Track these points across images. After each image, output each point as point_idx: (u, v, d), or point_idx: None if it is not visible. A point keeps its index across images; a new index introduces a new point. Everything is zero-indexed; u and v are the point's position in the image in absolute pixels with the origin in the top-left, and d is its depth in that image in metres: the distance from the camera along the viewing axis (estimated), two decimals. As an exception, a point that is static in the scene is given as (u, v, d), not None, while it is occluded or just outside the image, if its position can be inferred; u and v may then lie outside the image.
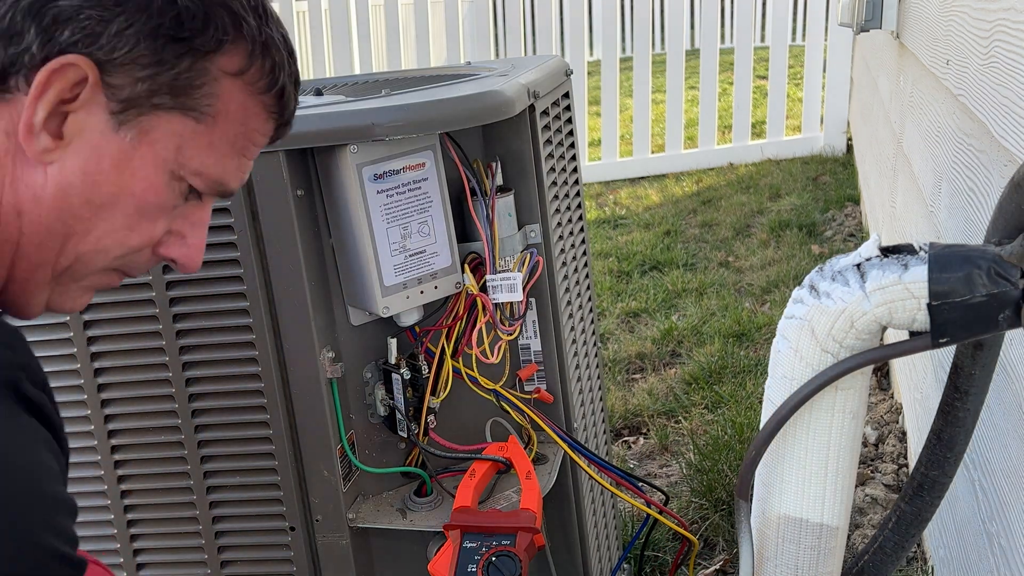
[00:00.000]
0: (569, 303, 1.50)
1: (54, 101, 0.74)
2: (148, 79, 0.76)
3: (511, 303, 1.32)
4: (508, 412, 1.36)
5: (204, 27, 0.77)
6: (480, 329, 1.29)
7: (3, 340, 0.69)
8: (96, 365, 1.29)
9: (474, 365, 1.32)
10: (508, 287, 1.29)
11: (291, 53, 0.85)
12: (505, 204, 1.33)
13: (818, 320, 0.88)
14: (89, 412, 1.31)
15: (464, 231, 1.33)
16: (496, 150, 1.34)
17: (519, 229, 1.35)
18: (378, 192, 1.20)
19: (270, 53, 0.83)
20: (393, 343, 1.30)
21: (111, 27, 0.73)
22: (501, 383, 1.35)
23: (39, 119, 0.74)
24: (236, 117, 0.82)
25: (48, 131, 0.74)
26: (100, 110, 0.75)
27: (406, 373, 1.29)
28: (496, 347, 1.32)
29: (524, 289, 1.31)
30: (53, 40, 0.72)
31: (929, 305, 0.82)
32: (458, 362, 1.31)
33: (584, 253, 1.67)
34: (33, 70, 0.73)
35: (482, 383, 1.33)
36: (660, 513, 1.45)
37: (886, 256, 0.87)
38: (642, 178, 5.91)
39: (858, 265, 0.87)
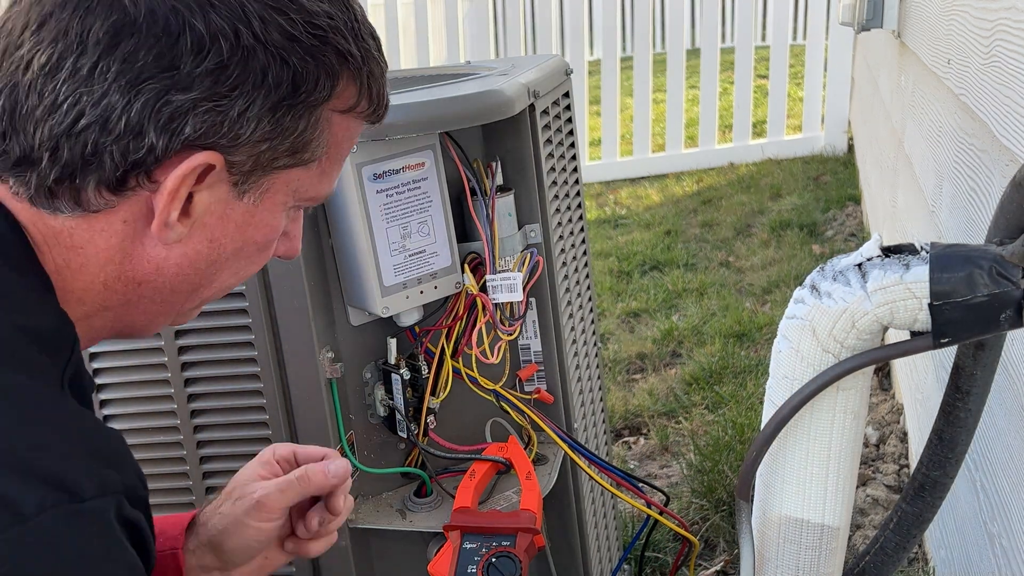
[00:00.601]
0: (569, 303, 1.50)
1: (184, 197, 0.73)
2: (269, 149, 0.75)
3: (511, 303, 1.32)
4: (508, 412, 1.36)
5: (316, 81, 0.75)
6: (480, 329, 1.29)
7: (109, 457, 0.69)
8: (95, 365, 1.29)
9: (474, 365, 1.32)
10: (508, 287, 1.29)
11: (379, 48, 0.82)
12: (505, 204, 1.33)
13: (819, 320, 0.88)
14: (88, 412, 1.31)
15: (464, 231, 1.33)
16: (496, 150, 1.34)
17: (519, 229, 1.35)
18: (378, 192, 1.20)
19: (374, 77, 0.80)
20: (393, 343, 1.29)
21: (231, 112, 0.71)
22: (501, 383, 1.35)
23: (173, 218, 0.73)
24: (343, 141, 0.82)
25: (181, 218, 0.74)
26: (224, 185, 0.75)
27: (406, 373, 1.29)
28: (496, 347, 1.31)
29: (524, 289, 1.31)
30: (174, 137, 0.70)
31: (930, 305, 0.82)
32: (458, 362, 1.31)
33: (584, 253, 1.66)
34: (156, 168, 0.71)
35: (482, 383, 1.33)
36: (660, 514, 1.44)
37: (887, 256, 0.86)
38: (642, 178, 5.91)
39: (859, 265, 0.87)
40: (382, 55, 0.82)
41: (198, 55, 0.69)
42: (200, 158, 0.71)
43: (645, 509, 1.42)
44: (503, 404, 1.34)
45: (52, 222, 0.73)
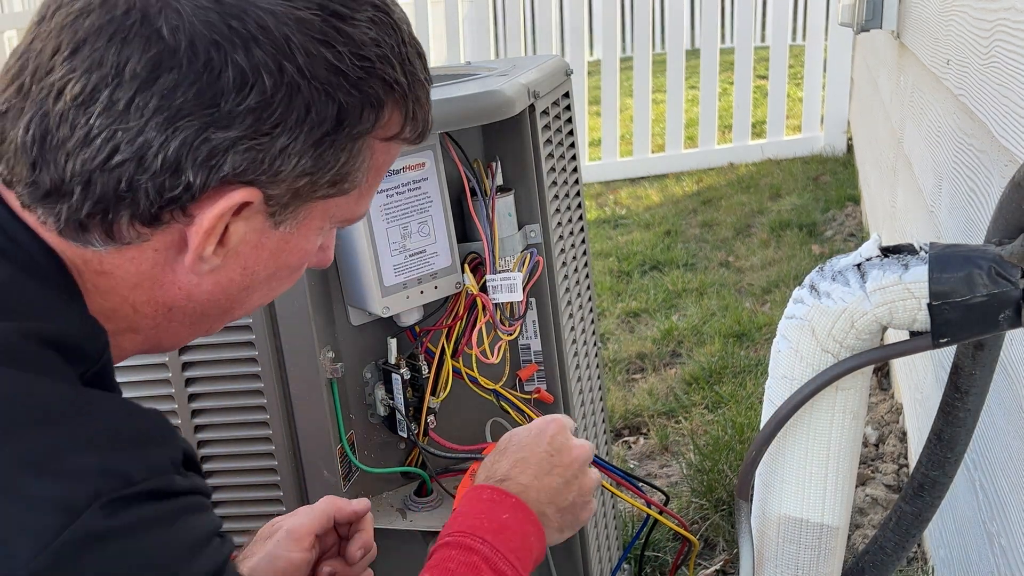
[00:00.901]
0: (569, 303, 1.50)
1: (220, 231, 0.70)
2: (309, 183, 0.72)
3: (511, 303, 1.32)
4: (508, 412, 1.36)
5: (361, 114, 0.71)
6: (480, 329, 1.29)
7: (150, 437, 0.67)
8: (96, 365, 1.29)
9: (474, 365, 1.32)
10: (508, 287, 1.29)
11: (425, 67, 0.78)
12: (505, 204, 1.33)
13: (818, 320, 0.88)
14: (89, 412, 1.31)
15: (464, 231, 1.33)
16: (496, 150, 1.34)
17: (519, 229, 1.35)
18: (378, 192, 1.20)
19: (420, 103, 0.77)
20: (393, 343, 1.29)
21: (272, 149, 0.68)
22: (501, 383, 1.35)
23: (208, 252, 0.71)
24: (383, 166, 0.79)
25: (215, 249, 0.72)
26: (260, 216, 0.72)
27: (406, 373, 1.29)
28: (496, 347, 1.32)
29: (524, 289, 1.31)
30: (212, 174, 0.67)
31: (929, 305, 0.82)
32: (458, 362, 1.31)
33: (584, 253, 1.66)
34: (191, 203, 0.68)
35: (482, 383, 1.33)
36: (660, 513, 1.44)
37: (886, 256, 0.87)
38: (642, 178, 5.91)
39: (858, 265, 0.87)
40: (427, 72, 0.78)
41: (240, 92, 0.66)
42: (239, 196, 0.69)
43: (645, 508, 1.42)
44: (503, 404, 1.34)
45: (81, 252, 0.70)
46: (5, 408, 0.60)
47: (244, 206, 0.70)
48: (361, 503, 1.04)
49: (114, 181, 0.66)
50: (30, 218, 0.69)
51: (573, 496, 0.98)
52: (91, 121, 0.65)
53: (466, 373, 1.31)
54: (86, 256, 0.70)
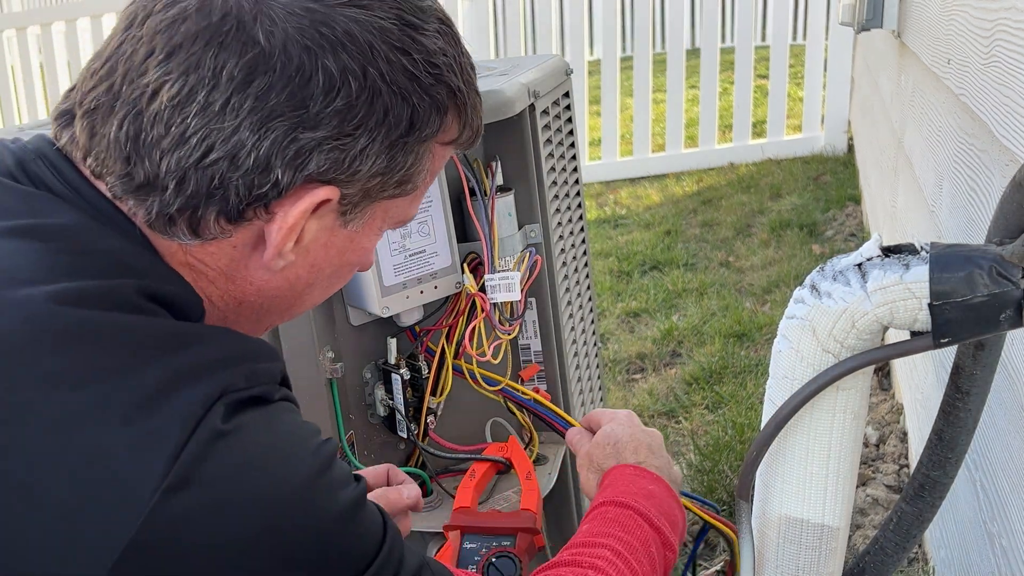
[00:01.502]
0: (569, 303, 1.50)
1: (301, 227, 0.74)
2: (379, 183, 0.76)
3: (510, 303, 1.32)
4: (515, 413, 1.35)
5: (430, 118, 0.76)
6: (477, 329, 1.29)
7: (259, 354, 0.72)
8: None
9: (475, 362, 1.31)
10: (506, 286, 1.29)
11: (476, 77, 0.83)
12: (505, 204, 1.33)
13: (819, 320, 0.88)
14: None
15: (465, 231, 1.33)
16: (496, 150, 1.34)
17: (519, 229, 1.35)
18: (378, 192, 1.19)
19: (476, 110, 0.82)
20: (393, 343, 1.29)
21: (354, 149, 0.72)
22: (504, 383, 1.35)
23: (288, 248, 0.74)
24: (438, 168, 0.83)
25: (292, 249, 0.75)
26: (332, 215, 0.76)
27: (406, 373, 1.29)
28: (496, 347, 1.31)
29: (522, 288, 1.31)
30: (298, 173, 0.71)
31: (930, 305, 0.82)
32: (469, 363, 1.30)
33: (584, 253, 1.66)
34: (275, 200, 0.72)
35: (491, 378, 1.32)
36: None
37: (887, 256, 0.86)
38: (642, 178, 5.91)
39: (859, 265, 0.87)
40: (477, 83, 0.83)
41: (328, 95, 0.69)
42: (322, 194, 0.72)
43: (701, 513, 1.38)
44: (509, 403, 1.34)
45: (167, 243, 0.74)
46: (127, 339, 0.65)
47: (322, 204, 0.73)
48: (411, 492, 1.11)
49: (207, 179, 0.70)
50: (122, 207, 0.73)
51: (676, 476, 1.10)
52: (187, 121, 0.69)
53: (468, 370, 1.31)
54: (172, 248, 0.74)
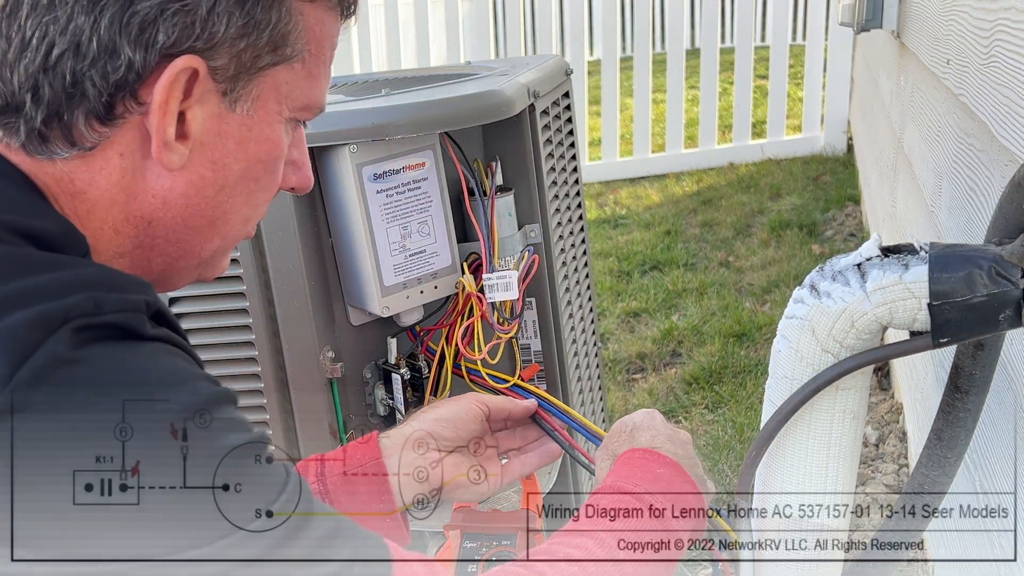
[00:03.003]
0: (569, 303, 1.50)
1: (175, 110, 0.71)
2: (248, 47, 0.72)
3: (508, 302, 1.32)
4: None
5: None
6: (473, 328, 1.28)
7: (132, 284, 0.68)
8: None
9: (478, 362, 1.31)
10: (504, 286, 1.29)
11: None
12: (505, 204, 1.33)
13: (818, 320, 0.88)
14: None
15: (465, 231, 1.33)
16: (496, 150, 1.34)
17: (519, 229, 1.35)
18: (378, 192, 1.20)
19: None
20: (393, 343, 1.29)
21: (200, 11, 0.69)
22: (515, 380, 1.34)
23: (171, 135, 0.71)
24: (323, 38, 0.79)
25: (179, 140, 0.72)
26: (213, 96, 0.73)
27: (406, 373, 1.29)
28: (494, 347, 1.31)
29: (520, 287, 1.31)
30: (150, 49, 0.68)
31: (930, 305, 0.82)
32: (474, 363, 1.30)
33: (584, 253, 1.66)
34: (140, 86, 0.69)
35: (498, 377, 1.32)
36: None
37: (887, 256, 0.86)
38: (642, 178, 5.91)
39: (858, 265, 0.87)
40: None
41: None
42: (180, 63, 0.69)
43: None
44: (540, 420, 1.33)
45: (51, 169, 0.71)
46: None
47: (193, 81, 0.70)
48: (528, 403, 1.16)
49: (60, 79, 0.68)
50: None
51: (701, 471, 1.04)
52: (22, 25, 0.67)
53: (469, 369, 1.31)
54: (57, 175, 0.71)
